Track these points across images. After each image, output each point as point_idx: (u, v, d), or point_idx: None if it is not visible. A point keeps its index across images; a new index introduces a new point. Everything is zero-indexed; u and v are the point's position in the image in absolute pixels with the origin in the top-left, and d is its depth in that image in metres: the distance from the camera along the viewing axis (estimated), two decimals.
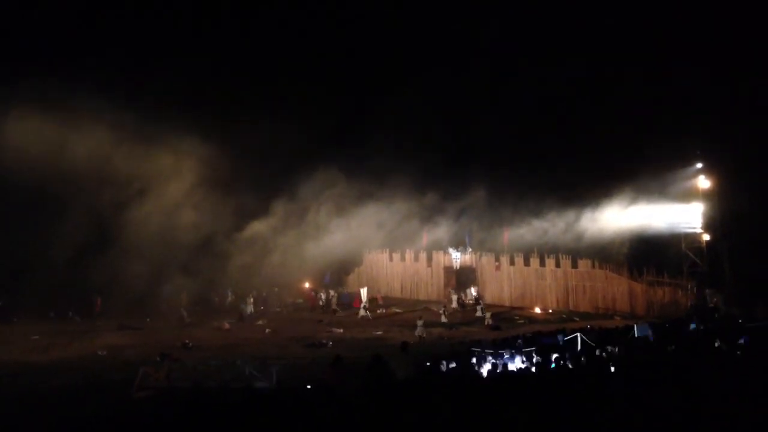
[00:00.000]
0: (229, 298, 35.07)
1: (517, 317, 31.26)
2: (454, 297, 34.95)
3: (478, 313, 31.23)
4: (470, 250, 37.12)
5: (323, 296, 35.27)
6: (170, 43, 36.53)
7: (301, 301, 37.37)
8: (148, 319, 31.34)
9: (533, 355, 14.68)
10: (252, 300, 34.27)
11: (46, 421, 12.12)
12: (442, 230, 38.31)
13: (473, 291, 35.48)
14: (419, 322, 26.75)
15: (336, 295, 35.45)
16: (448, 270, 37.77)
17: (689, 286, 30.52)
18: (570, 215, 34.87)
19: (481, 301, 32.94)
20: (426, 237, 39.18)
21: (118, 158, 33.69)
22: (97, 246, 32.25)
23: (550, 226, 35.35)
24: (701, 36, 33.50)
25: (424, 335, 25.91)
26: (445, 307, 31.53)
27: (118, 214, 33.77)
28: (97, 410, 12.76)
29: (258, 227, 37.91)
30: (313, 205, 38.95)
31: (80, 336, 26.28)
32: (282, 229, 38.13)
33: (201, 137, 34.08)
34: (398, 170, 36.28)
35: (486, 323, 29.22)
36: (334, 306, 34.17)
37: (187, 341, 24.57)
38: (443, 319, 29.68)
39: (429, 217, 38.54)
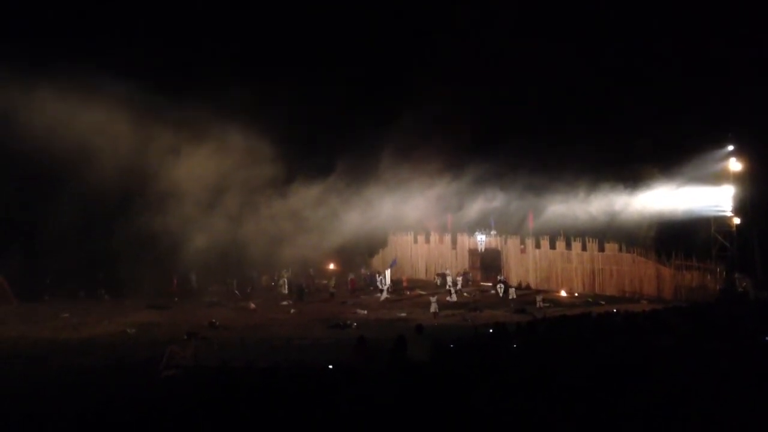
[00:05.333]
0: (287, 275, 34.92)
1: (543, 300, 31.08)
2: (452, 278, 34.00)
3: (501, 294, 32.31)
4: (494, 232, 36.90)
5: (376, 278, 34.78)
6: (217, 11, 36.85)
7: (325, 282, 37.40)
8: (175, 299, 31.86)
9: None
10: (285, 281, 34.42)
11: (75, 398, 12.35)
12: (467, 213, 38.02)
13: (448, 277, 34.03)
14: (432, 299, 27.60)
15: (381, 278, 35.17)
16: (473, 252, 37.66)
17: (718, 270, 30.05)
18: (600, 198, 34.35)
19: (504, 282, 33.40)
20: (451, 219, 39.00)
21: (149, 133, 33.42)
22: (129, 222, 31.81)
23: (579, 208, 34.83)
24: (735, 18, 32.64)
25: (438, 311, 26.88)
26: (454, 287, 31.82)
27: (150, 190, 33.39)
28: (125, 388, 12.98)
29: (289, 204, 37.63)
30: (341, 185, 38.58)
31: (109, 314, 26.80)
32: (310, 208, 37.88)
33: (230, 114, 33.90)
34: (424, 151, 36.01)
35: (510, 297, 30.64)
36: (331, 289, 33.97)
37: (213, 320, 24.96)
38: (452, 298, 30.73)
39: (454, 199, 38.27)
